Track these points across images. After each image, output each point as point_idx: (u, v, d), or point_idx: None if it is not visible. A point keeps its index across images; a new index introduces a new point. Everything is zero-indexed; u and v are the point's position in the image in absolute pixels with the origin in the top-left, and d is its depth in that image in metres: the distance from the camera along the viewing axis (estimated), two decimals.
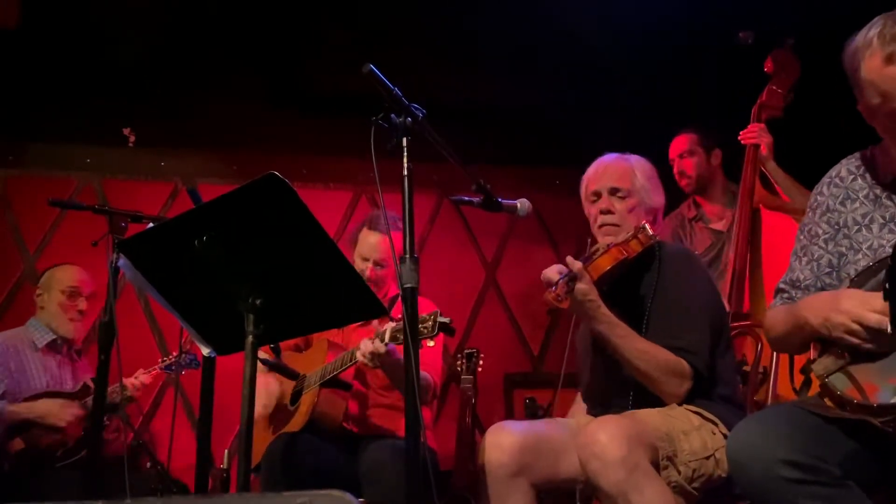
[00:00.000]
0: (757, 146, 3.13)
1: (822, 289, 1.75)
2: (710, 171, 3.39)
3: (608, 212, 2.22)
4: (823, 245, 1.77)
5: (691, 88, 3.80)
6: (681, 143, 3.41)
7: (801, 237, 1.84)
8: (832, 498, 1.45)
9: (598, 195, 2.26)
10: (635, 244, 2.08)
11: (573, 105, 4.04)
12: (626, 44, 3.63)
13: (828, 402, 1.56)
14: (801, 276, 1.78)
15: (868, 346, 1.51)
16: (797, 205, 3.08)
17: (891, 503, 1.56)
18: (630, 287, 2.18)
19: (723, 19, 3.39)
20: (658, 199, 2.29)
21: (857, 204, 1.74)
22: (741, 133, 3.19)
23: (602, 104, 3.94)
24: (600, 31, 3.55)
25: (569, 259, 2.02)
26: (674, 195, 3.53)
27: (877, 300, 1.48)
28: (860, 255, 1.69)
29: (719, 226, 3.37)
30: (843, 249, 1.74)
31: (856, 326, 1.51)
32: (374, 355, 2.40)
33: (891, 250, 1.44)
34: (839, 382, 1.53)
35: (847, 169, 1.80)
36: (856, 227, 1.73)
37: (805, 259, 1.80)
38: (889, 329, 1.38)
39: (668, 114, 3.79)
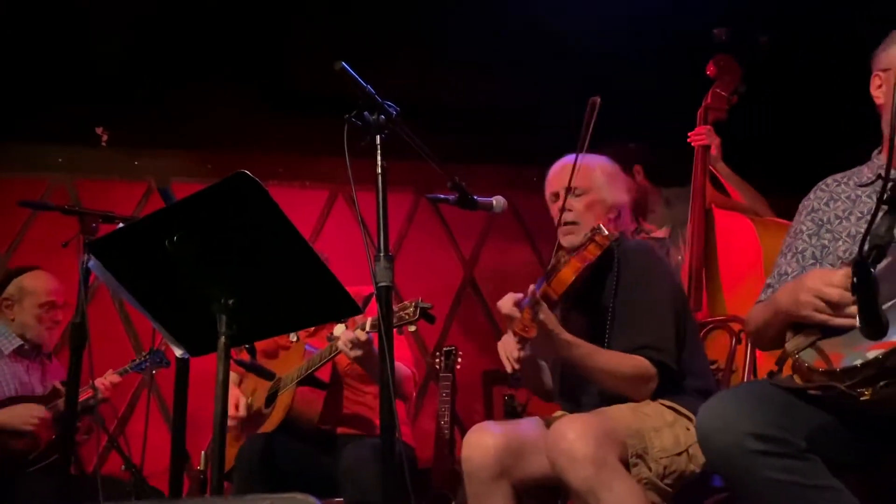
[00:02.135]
0: (707, 147, 3.17)
1: None
2: (641, 193, 3.41)
3: (567, 211, 2.23)
4: (807, 239, 1.86)
5: (674, 88, 3.81)
6: None
7: (787, 237, 1.92)
8: (797, 470, 1.48)
9: (556, 195, 2.29)
10: (593, 248, 2.10)
11: (552, 104, 4.04)
12: (606, 43, 3.64)
13: (797, 378, 1.59)
14: (788, 270, 1.85)
15: (834, 321, 1.55)
16: (748, 203, 3.15)
17: (858, 485, 1.58)
18: (593, 291, 2.19)
19: (707, 18, 3.42)
20: (620, 196, 2.32)
21: (839, 202, 1.86)
22: (689, 135, 3.23)
23: (582, 103, 3.95)
24: (580, 29, 3.55)
25: (524, 294, 1.98)
26: None
27: (836, 275, 1.54)
28: (840, 242, 1.79)
29: (660, 233, 3.42)
30: (826, 242, 1.83)
31: (820, 303, 1.56)
32: (356, 343, 2.40)
33: None
34: (807, 356, 1.57)
35: (833, 178, 1.93)
36: (837, 221, 1.83)
37: (790, 254, 1.87)
38: (857, 322, 1.41)
39: (650, 112, 3.80)
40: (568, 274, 2.07)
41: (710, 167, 3.19)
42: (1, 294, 3.36)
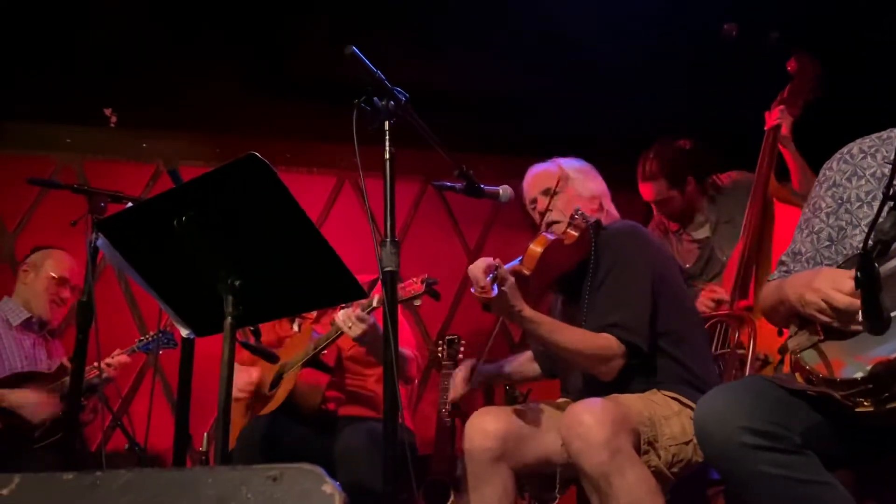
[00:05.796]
0: (778, 127, 3.08)
1: (821, 262, 1.76)
2: (688, 202, 3.31)
3: (549, 211, 2.28)
4: (825, 218, 1.78)
5: (673, 80, 3.81)
6: (649, 194, 3.31)
7: (806, 210, 1.86)
8: (791, 465, 1.48)
9: (534, 201, 2.37)
10: (572, 230, 2.15)
11: (558, 94, 4.04)
12: (609, 34, 3.64)
13: (798, 377, 1.59)
14: (803, 249, 1.81)
15: (836, 325, 1.53)
16: (804, 191, 3.05)
17: (851, 480, 1.60)
18: (574, 277, 2.21)
19: (708, 11, 3.42)
20: (595, 185, 2.37)
21: (863, 181, 1.75)
22: (767, 114, 3.14)
23: (587, 94, 3.95)
24: (584, 20, 3.54)
25: (498, 260, 1.99)
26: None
27: (848, 282, 1.50)
28: (858, 231, 1.71)
29: (701, 233, 3.36)
30: (843, 224, 1.75)
31: (825, 306, 1.54)
32: (356, 319, 2.41)
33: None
34: (809, 358, 1.57)
35: (859, 147, 1.81)
36: (858, 203, 1.74)
37: (806, 231, 1.81)
38: (860, 317, 1.40)
39: (652, 104, 3.80)
40: (535, 248, 2.10)
41: (780, 146, 3.09)
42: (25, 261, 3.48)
